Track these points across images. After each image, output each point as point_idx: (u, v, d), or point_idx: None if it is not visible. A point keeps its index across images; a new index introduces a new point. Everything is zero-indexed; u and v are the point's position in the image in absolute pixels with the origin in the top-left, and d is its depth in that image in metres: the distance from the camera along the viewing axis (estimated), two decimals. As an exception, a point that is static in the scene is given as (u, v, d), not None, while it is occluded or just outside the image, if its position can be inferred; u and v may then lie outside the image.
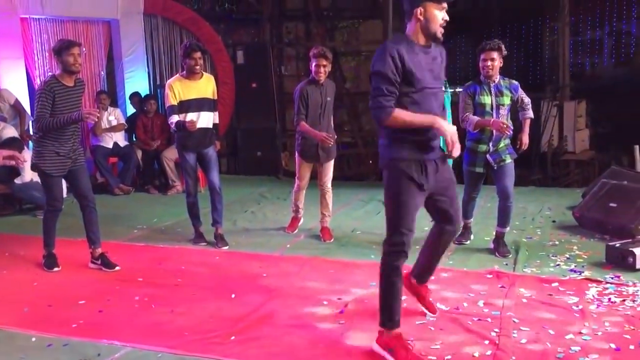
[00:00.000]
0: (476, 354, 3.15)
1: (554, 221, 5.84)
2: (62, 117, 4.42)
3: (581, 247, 4.97)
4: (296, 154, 5.49)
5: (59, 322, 3.71)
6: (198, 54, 5.05)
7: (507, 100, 4.73)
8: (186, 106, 5.09)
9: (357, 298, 3.98)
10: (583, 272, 4.37)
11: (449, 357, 3.13)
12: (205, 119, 5.18)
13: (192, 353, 3.23)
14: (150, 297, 4.09)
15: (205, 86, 5.19)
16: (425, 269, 3.62)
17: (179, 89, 5.07)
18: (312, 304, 3.91)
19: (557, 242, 5.13)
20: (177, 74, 5.35)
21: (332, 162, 5.48)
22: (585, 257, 4.71)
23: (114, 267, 4.69)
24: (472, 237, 5.23)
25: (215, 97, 5.32)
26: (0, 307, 3.95)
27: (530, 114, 4.90)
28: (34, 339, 3.47)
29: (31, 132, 7.45)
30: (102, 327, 3.62)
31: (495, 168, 4.78)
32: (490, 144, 4.73)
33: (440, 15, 3.01)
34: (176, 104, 5.07)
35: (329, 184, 5.44)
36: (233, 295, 4.09)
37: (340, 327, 3.54)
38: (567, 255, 4.75)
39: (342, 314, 3.73)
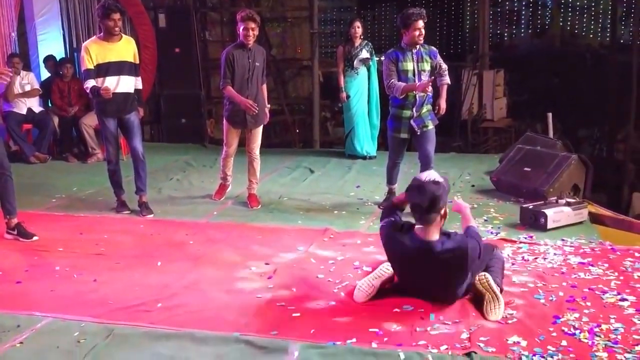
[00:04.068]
0: (403, 309, 3.27)
1: (473, 185, 6.08)
2: None
3: (498, 209, 5.22)
4: (224, 119, 5.41)
5: (-27, 295, 3.54)
6: (117, 15, 4.84)
7: (427, 66, 4.86)
8: (104, 69, 4.89)
9: (285, 262, 4.02)
10: (499, 232, 4.60)
11: (381, 311, 3.23)
12: (126, 83, 5.00)
13: (117, 321, 3.17)
14: (72, 267, 3.97)
15: (124, 49, 4.99)
16: None
17: (96, 52, 4.86)
18: (240, 269, 3.92)
19: (475, 205, 5.34)
20: (95, 36, 5.13)
21: (260, 129, 5.43)
22: (502, 218, 4.95)
23: (31, 237, 4.50)
24: (396, 201, 5.36)
25: (137, 61, 5.14)
26: None
27: (447, 79, 5.02)
28: (-54, 313, 3.30)
29: None
30: (20, 298, 3.49)
31: (419, 133, 4.90)
32: (414, 110, 4.84)
33: None
34: (92, 67, 4.86)
35: (257, 151, 5.41)
36: (159, 263, 4.03)
37: (269, 290, 3.57)
38: (485, 217, 4.97)
39: (270, 279, 3.76)
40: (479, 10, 10.39)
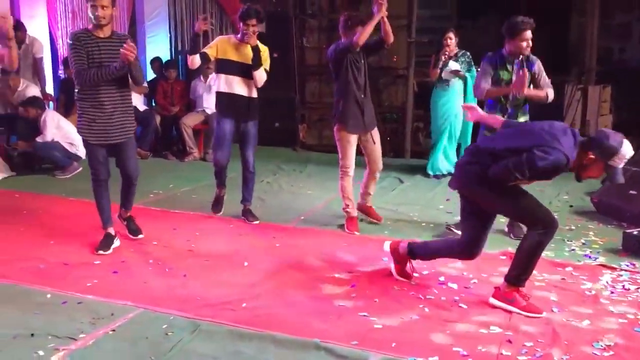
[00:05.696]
0: (490, 330, 3.16)
1: (571, 206, 5.78)
2: (102, 69, 4.00)
3: (597, 233, 4.93)
4: (336, 126, 4.93)
5: (74, 280, 3.76)
6: (253, 21, 4.83)
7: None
8: (226, 66, 4.94)
9: (368, 272, 3.99)
10: (598, 258, 4.34)
11: (467, 330, 3.14)
12: (246, 86, 5.00)
13: (204, 317, 3.26)
14: (164, 261, 4.14)
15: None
16: None
17: (222, 47, 4.90)
18: (324, 276, 3.93)
19: (573, 227, 5.08)
20: (232, 34, 5.31)
21: (378, 135, 5.15)
22: (601, 243, 4.67)
23: (137, 234, 4.59)
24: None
25: (267, 68, 5.07)
26: (17, 264, 4.01)
27: (547, 90, 4.60)
28: (49, 296, 3.52)
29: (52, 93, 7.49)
30: (116, 287, 3.67)
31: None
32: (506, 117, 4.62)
33: None
34: (206, 52, 4.86)
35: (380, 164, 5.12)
36: (246, 263, 4.12)
37: (352, 299, 3.56)
38: (583, 241, 4.71)
39: (354, 288, 3.74)
40: (586, 21, 9.89)
